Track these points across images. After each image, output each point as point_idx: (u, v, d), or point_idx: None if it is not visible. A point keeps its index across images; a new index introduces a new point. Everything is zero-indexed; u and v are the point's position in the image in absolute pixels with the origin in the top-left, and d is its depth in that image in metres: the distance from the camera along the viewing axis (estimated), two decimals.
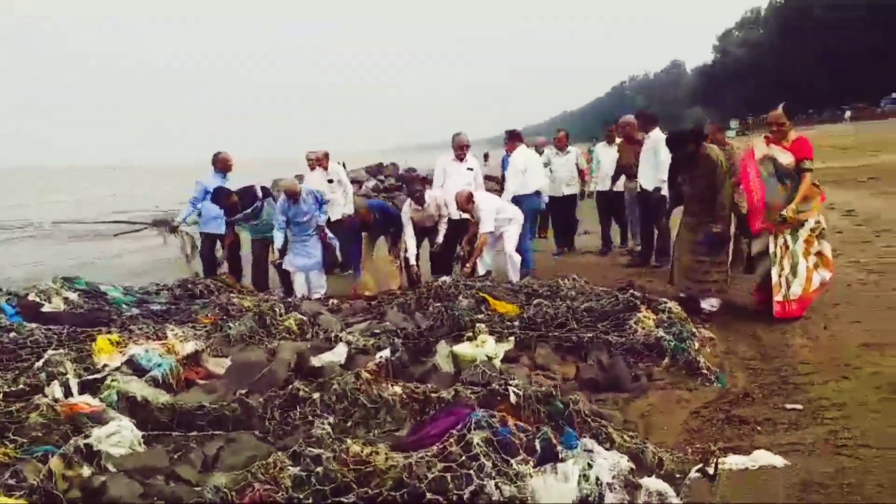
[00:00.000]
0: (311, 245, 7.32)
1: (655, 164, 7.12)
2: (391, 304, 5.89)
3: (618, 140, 8.67)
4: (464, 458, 2.78)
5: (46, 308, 5.57)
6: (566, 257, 9.01)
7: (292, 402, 3.46)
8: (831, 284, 5.20)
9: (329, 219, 7.81)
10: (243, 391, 3.68)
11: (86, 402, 3.41)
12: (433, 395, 3.47)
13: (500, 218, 6.93)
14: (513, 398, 3.34)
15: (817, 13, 64.66)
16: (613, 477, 2.73)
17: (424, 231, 7.51)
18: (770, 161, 5.16)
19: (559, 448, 3.00)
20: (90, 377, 4.04)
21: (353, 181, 23.61)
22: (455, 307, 4.87)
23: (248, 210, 7.13)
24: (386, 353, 4.30)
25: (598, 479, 2.76)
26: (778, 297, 5.03)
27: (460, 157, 7.59)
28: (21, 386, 3.97)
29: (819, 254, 5.17)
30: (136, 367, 4.06)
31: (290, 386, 3.53)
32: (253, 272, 7.68)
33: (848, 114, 53.98)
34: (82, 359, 4.27)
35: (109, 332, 4.58)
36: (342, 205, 8.55)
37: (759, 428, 3.25)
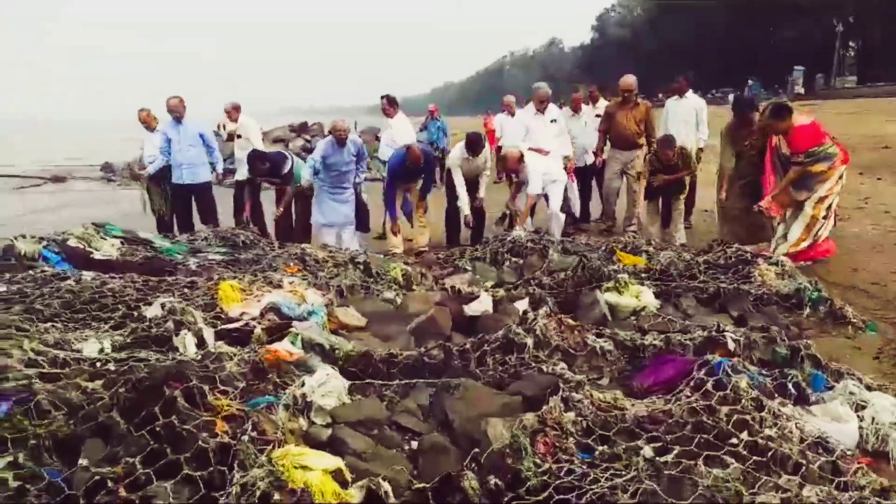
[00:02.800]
0: (345, 198, 6.92)
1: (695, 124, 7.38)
2: (463, 258, 5.69)
3: (597, 106, 8.20)
4: (741, 402, 2.72)
5: (98, 255, 4.92)
6: None
7: (505, 347, 3.25)
8: None
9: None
10: (439, 340, 3.42)
11: (286, 349, 3.03)
12: (641, 342, 3.37)
13: (545, 179, 6.85)
14: (731, 345, 3.31)
15: None
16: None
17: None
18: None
19: (809, 391, 3.02)
20: (229, 326, 3.64)
21: (279, 140, 22.74)
22: (590, 258, 4.75)
23: (277, 178, 6.79)
24: (524, 303, 4.15)
25: (874, 419, 2.78)
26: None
27: (541, 110, 7.39)
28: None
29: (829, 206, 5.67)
30: (281, 316, 3.67)
31: (504, 331, 3.29)
32: (278, 223, 7.22)
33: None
34: (207, 307, 3.82)
35: (225, 279, 4.09)
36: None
37: None
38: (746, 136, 6.06)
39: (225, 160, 8.54)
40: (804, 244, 5.52)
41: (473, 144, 6.92)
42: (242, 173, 7.63)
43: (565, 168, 7.25)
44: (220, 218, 7.62)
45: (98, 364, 2.97)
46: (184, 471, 2.34)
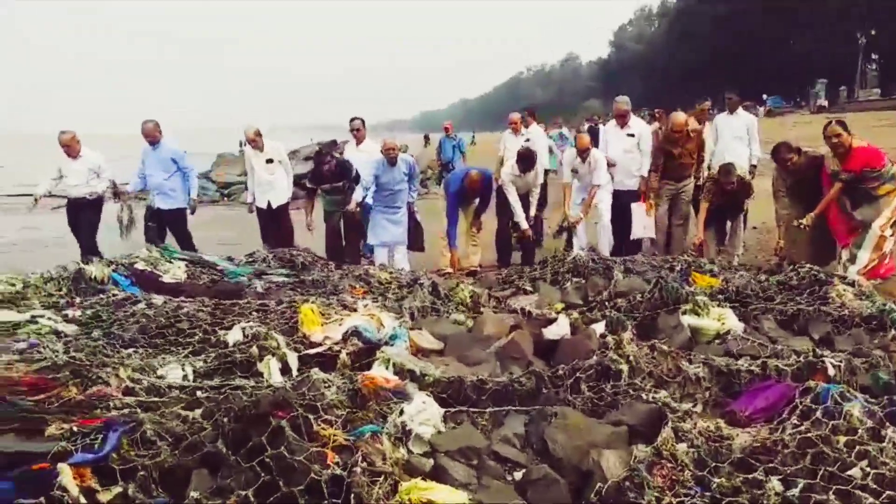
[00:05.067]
0: (398, 218, 6.92)
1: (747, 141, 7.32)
2: (523, 279, 5.65)
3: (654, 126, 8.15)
4: (857, 431, 2.64)
5: (166, 279, 4.95)
6: None
7: (601, 374, 3.19)
8: None
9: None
10: (520, 365, 3.38)
11: (384, 376, 3.00)
12: (737, 368, 3.29)
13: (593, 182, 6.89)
14: (830, 370, 3.22)
15: (705, 12, 67.45)
16: None
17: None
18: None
19: None
20: (313, 351, 3.62)
21: (309, 158, 22.90)
22: (667, 279, 4.68)
23: (339, 184, 6.74)
24: (600, 327, 4.08)
25: None
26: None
27: (622, 124, 7.38)
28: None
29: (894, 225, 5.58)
30: (363, 340, 3.65)
31: (598, 357, 3.24)
32: (329, 244, 7.21)
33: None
34: (287, 332, 3.81)
35: (307, 302, 4.08)
36: (285, 189, 7.84)
37: None
38: (794, 176, 6.04)
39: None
40: (874, 264, 5.43)
41: (525, 160, 6.91)
42: (283, 196, 7.67)
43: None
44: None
45: (198, 392, 2.94)
46: None
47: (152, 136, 7.52)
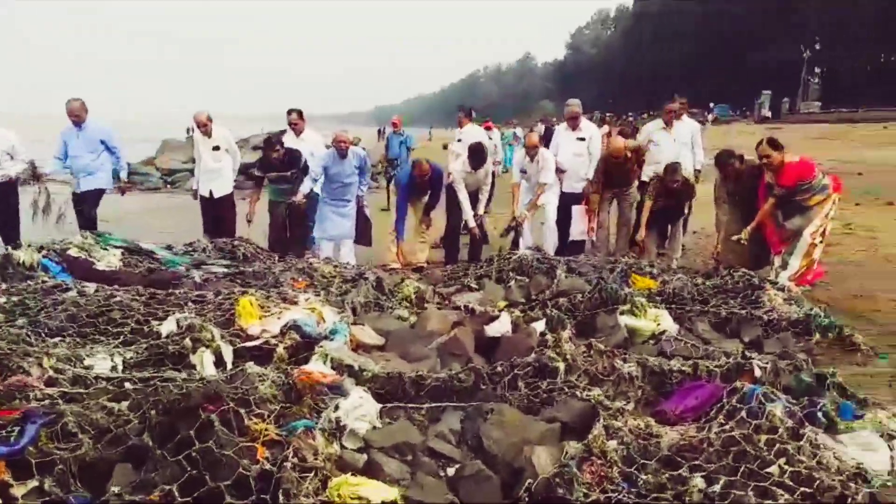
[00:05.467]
0: (347, 212, 6.84)
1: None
2: (469, 276, 5.67)
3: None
4: (777, 430, 2.73)
5: (100, 266, 4.78)
6: None
7: (538, 372, 3.22)
8: None
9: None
10: (461, 361, 3.38)
11: (321, 371, 2.96)
12: (669, 368, 3.37)
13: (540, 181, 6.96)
14: (757, 372, 3.33)
15: (656, 19, 68.96)
16: None
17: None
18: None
19: (838, 420, 3.04)
20: (249, 344, 3.56)
21: (258, 148, 22.50)
22: (607, 280, 4.74)
23: (287, 173, 6.60)
24: (541, 325, 4.12)
25: None
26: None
27: (573, 127, 7.43)
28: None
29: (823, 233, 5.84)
30: (302, 335, 3.59)
31: (536, 355, 3.27)
32: (272, 235, 7.08)
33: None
34: (223, 324, 3.73)
35: (245, 294, 3.99)
36: (231, 178, 7.63)
37: None
38: (735, 185, 6.22)
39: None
40: (803, 270, 5.64)
41: (476, 154, 6.90)
42: (227, 186, 7.51)
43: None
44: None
45: (126, 384, 2.85)
46: (226, 500, 2.27)
47: (78, 116, 7.11)
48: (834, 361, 4.04)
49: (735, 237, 5.92)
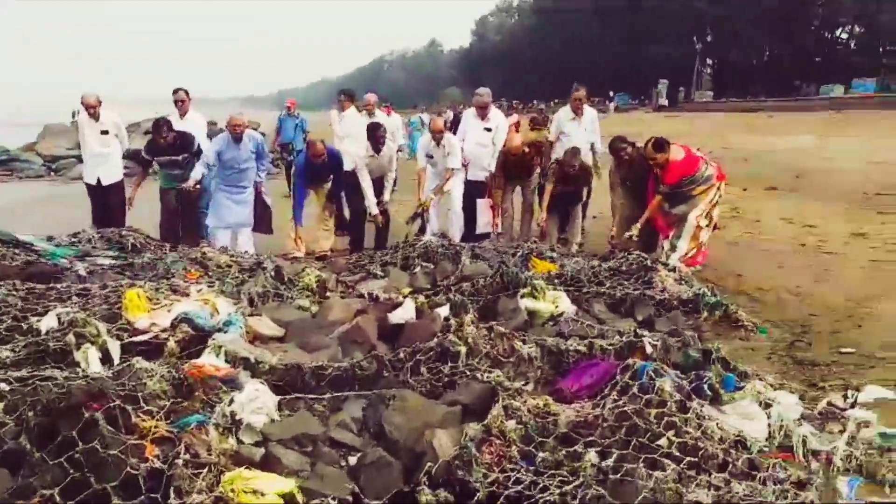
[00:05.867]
0: (243, 198, 6.61)
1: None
2: (374, 263, 5.63)
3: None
4: (666, 404, 2.87)
5: None
6: None
7: (440, 356, 3.23)
8: None
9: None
10: (364, 350, 3.35)
11: (213, 364, 2.86)
12: (566, 348, 3.47)
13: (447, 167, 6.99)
14: (648, 349, 3.47)
15: (555, 11, 70.24)
16: (801, 414, 3.01)
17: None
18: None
19: (722, 391, 3.23)
20: (138, 339, 3.39)
21: (150, 133, 21.32)
22: (508, 264, 4.80)
23: (179, 157, 6.29)
24: (445, 310, 4.15)
25: (780, 415, 3.02)
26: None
27: (482, 116, 7.40)
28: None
29: (709, 216, 6.17)
30: (194, 327, 3.45)
31: (438, 340, 3.27)
32: (164, 224, 6.76)
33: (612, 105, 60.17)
34: (110, 318, 3.53)
35: (133, 286, 3.79)
36: (119, 164, 7.42)
37: (834, 369, 3.76)
38: (628, 171, 6.46)
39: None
40: (692, 252, 5.94)
41: (371, 133, 6.83)
42: (116, 173, 7.16)
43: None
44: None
45: (1, 384, 2.65)
46: (113, 501, 2.16)
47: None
48: (719, 337, 4.30)
49: (627, 234, 6.15)
